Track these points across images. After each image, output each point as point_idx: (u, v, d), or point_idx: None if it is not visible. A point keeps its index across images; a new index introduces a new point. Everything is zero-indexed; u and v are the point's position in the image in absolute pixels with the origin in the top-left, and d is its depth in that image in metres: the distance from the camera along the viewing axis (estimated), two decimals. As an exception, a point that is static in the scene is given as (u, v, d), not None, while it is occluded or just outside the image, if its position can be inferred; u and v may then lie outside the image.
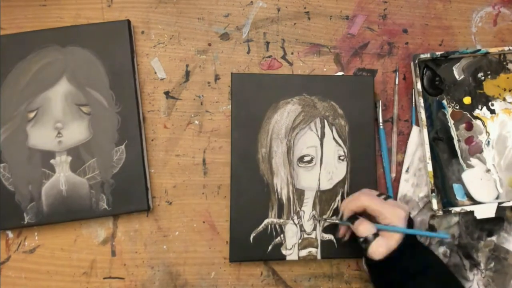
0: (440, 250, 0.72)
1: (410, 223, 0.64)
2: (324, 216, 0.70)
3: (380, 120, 0.73)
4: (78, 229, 0.70)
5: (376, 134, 0.73)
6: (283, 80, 0.72)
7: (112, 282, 0.69)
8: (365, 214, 0.64)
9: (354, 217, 0.64)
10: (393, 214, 0.61)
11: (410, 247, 0.62)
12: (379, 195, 0.64)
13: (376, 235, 0.61)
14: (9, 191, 0.68)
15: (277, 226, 0.69)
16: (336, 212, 0.70)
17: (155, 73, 0.73)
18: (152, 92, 0.72)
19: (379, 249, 0.60)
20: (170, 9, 0.74)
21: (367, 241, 0.61)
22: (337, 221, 0.67)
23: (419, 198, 0.72)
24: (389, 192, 0.72)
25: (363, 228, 0.62)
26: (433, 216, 0.72)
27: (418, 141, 0.73)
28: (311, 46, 0.75)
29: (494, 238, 0.72)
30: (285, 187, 0.70)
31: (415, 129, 0.73)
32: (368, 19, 0.76)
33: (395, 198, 0.72)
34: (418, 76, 0.72)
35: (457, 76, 0.74)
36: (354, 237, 0.65)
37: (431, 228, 0.72)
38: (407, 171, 0.72)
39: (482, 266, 0.72)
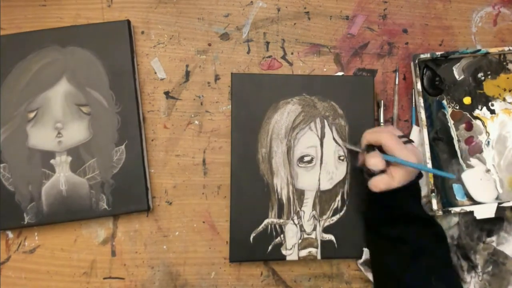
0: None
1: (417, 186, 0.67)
2: (346, 144, 0.71)
3: (382, 120, 0.73)
4: (78, 229, 0.70)
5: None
6: (283, 80, 0.72)
7: (112, 282, 0.70)
8: (380, 147, 0.65)
9: (371, 148, 0.65)
10: (406, 157, 0.62)
11: (411, 195, 0.65)
12: (401, 137, 0.65)
13: (382, 172, 0.63)
14: (9, 191, 0.68)
15: (277, 226, 0.69)
16: (336, 212, 0.70)
17: (155, 73, 0.73)
18: (152, 92, 0.72)
19: (379, 184, 0.63)
20: (170, 9, 0.74)
21: (371, 174, 0.64)
22: (356, 148, 0.68)
23: (419, 198, 0.72)
24: None
25: (373, 161, 0.64)
26: (432, 217, 0.72)
27: (418, 141, 0.73)
28: (311, 46, 0.75)
29: (494, 238, 0.72)
30: (285, 187, 0.70)
31: (415, 129, 0.73)
32: (368, 19, 0.76)
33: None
34: (418, 76, 0.72)
35: (457, 76, 0.74)
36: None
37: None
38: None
39: (480, 269, 0.72)
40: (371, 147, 0.65)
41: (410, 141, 0.66)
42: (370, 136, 0.65)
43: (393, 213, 0.65)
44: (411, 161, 0.62)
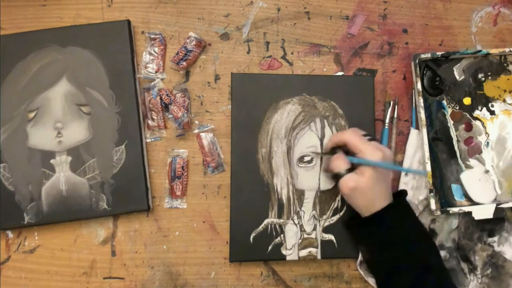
0: (441, 255, 0.72)
1: (403, 193, 0.67)
2: (318, 151, 0.71)
3: (387, 119, 0.73)
4: (78, 229, 0.70)
5: (376, 134, 0.73)
6: (283, 80, 0.72)
7: (112, 282, 0.70)
8: (347, 149, 0.65)
9: (334, 150, 0.66)
10: (372, 154, 0.62)
11: (396, 211, 0.64)
12: (364, 135, 0.65)
13: (350, 170, 0.63)
14: (9, 191, 0.68)
15: (277, 226, 0.69)
16: (336, 212, 0.70)
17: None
18: (152, 92, 0.73)
19: (348, 183, 0.62)
20: (170, 9, 0.74)
21: (339, 176, 0.63)
22: (322, 154, 0.69)
23: (419, 201, 0.72)
24: None
25: (336, 163, 0.64)
26: (433, 220, 0.72)
27: (417, 143, 0.73)
28: (311, 46, 0.75)
29: (495, 238, 0.72)
30: (285, 187, 0.70)
31: (413, 132, 0.73)
32: (368, 19, 0.76)
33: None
34: (418, 76, 0.72)
35: (457, 77, 0.74)
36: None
37: (432, 232, 0.72)
38: (406, 174, 0.72)
39: (479, 271, 0.72)
40: (333, 151, 0.66)
41: (374, 139, 0.66)
42: (334, 137, 0.66)
43: (386, 237, 0.63)
44: (377, 155, 0.61)
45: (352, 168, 0.64)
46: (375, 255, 0.65)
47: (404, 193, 0.67)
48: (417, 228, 0.65)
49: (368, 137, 0.65)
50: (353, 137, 0.63)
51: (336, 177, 0.65)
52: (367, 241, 0.66)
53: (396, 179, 0.73)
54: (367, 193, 0.62)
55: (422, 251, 0.64)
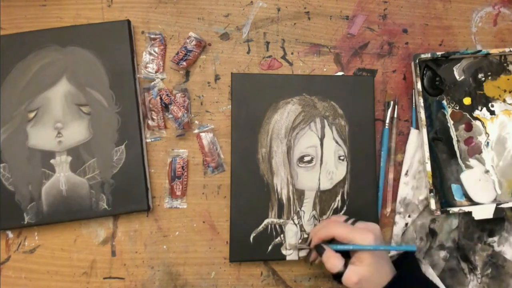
0: (441, 255, 0.72)
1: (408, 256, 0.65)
2: (297, 244, 0.69)
3: (387, 120, 0.73)
4: (78, 229, 0.70)
5: (376, 134, 0.73)
6: (283, 80, 0.72)
7: (112, 282, 0.70)
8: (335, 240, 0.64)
9: (321, 248, 0.64)
10: (362, 239, 0.61)
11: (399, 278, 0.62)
12: (346, 220, 0.65)
13: (346, 264, 0.61)
14: (9, 191, 0.68)
15: (277, 226, 0.69)
16: (336, 212, 0.70)
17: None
18: (152, 92, 0.73)
19: (351, 279, 0.60)
20: (170, 9, 0.74)
21: (339, 275, 0.61)
22: (307, 248, 0.68)
23: (419, 201, 0.72)
24: (379, 193, 0.72)
25: (331, 265, 0.62)
26: (433, 220, 0.72)
27: (417, 143, 0.73)
28: (311, 46, 0.75)
29: (495, 238, 0.72)
30: (285, 187, 0.70)
31: (413, 132, 0.73)
32: (368, 19, 0.76)
33: (394, 200, 0.72)
34: (418, 76, 0.72)
35: (457, 77, 0.74)
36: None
37: (432, 232, 0.72)
38: (406, 174, 0.72)
39: (479, 271, 0.72)
40: (320, 247, 0.64)
41: (357, 221, 0.65)
42: (320, 233, 0.64)
43: None
44: (368, 238, 0.60)
45: (343, 255, 0.63)
46: None
47: (409, 255, 0.66)
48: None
49: (350, 221, 0.64)
50: (339, 229, 0.62)
51: (336, 276, 0.62)
52: None
53: (397, 179, 0.73)
54: (372, 279, 0.61)
55: None
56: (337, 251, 0.63)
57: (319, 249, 0.64)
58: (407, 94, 0.75)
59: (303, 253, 0.69)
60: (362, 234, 0.61)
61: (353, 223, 0.64)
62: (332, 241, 0.64)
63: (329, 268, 0.62)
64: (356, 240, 0.61)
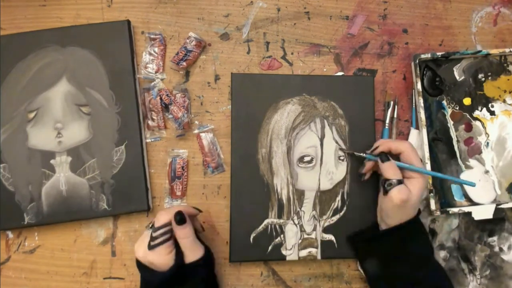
0: (441, 255, 0.72)
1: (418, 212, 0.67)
2: (353, 151, 0.70)
3: (387, 120, 0.73)
4: (78, 229, 0.70)
5: (376, 134, 0.73)
6: (283, 80, 0.72)
7: (112, 282, 0.70)
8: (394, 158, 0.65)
9: (385, 156, 0.65)
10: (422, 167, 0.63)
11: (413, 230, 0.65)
12: None
13: (399, 182, 0.63)
14: (9, 191, 0.68)
15: (277, 226, 0.69)
16: (336, 212, 0.70)
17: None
18: (152, 92, 0.73)
19: (401, 195, 0.62)
20: (170, 9, 0.74)
21: (390, 184, 0.63)
22: (366, 155, 0.68)
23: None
24: None
25: (393, 171, 0.63)
26: (433, 220, 0.72)
27: (417, 143, 0.73)
28: (311, 46, 0.75)
29: (495, 238, 0.72)
30: (285, 187, 0.70)
31: (413, 132, 0.73)
32: (368, 19, 0.76)
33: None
34: (418, 76, 0.72)
35: (457, 77, 0.74)
36: (377, 175, 0.68)
37: (432, 232, 0.72)
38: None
39: (478, 271, 0.72)
40: (385, 155, 0.65)
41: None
42: (392, 143, 0.65)
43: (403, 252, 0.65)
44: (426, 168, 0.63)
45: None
46: (392, 269, 0.65)
47: (418, 211, 0.68)
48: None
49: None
50: (409, 148, 0.64)
51: (385, 184, 0.64)
52: (384, 254, 0.65)
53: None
54: (413, 208, 0.63)
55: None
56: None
57: (383, 157, 0.65)
58: (407, 94, 0.75)
59: (303, 254, 0.69)
60: (421, 165, 0.63)
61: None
62: None
63: (390, 174, 0.63)
64: (417, 165, 0.63)
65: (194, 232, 0.62)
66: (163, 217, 0.60)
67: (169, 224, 0.60)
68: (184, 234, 0.60)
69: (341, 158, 0.71)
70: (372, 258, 0.66)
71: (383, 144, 0.66)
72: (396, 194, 0.62)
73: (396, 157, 0.65)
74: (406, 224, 0.63)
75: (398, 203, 0.62)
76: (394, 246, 0.64)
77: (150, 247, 0.58)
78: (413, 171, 0.63)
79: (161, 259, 0.58)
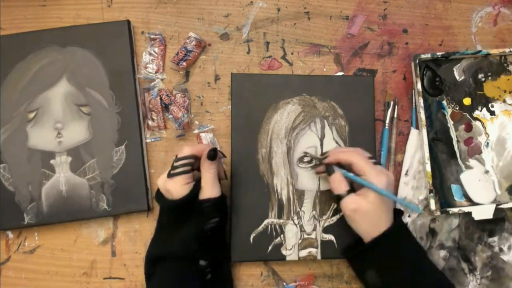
0: (441, 254, 0.72)
1: (399, 213, 0.66)
2: (307, 153, 0.70)
3: (387, 120, 0.73)
4: (78, 229, 0.70)
5: (376, 134, 0.73)
6: (283, 80, 0.72)
7: (112, 283, 0.70)
8: (347, 167, 0.64)
9: (331, 169, 0.64)
10: (376, 178, 0.61)
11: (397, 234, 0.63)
12: (369, 158, 0.64)
13: (350, 191, 0.62)
14: (9, 192, 0.68)
15: (277, 227, 0.69)
16: (336, 212, 0.70)
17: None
18: (152, 92, 0.73)
19: (349, 205, 0.61)
20: (170, 9, 0.74)
21: (339, 197, 0.63)
22: (317, 161, 0.68)
23: (419, 200, 0.72)
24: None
25: (337, 186, 0.63)
26: (433, 220, 0.72)
27: (417, 143, 0.73)
28: (311, 46, 0.75)
29: (495, 238, 0.72)
30: (285, 187, 0.70)
31: (414, 132, 0.73)
32: (368, 19, 0.76)
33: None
34: (418, 76, 0.72)
35: (457, 77, 0.74)
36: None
37: (432, 232, 0.72)
38: (406, 174, 0.72)
39: (478, 272, 0.72)
40: (331, 167, 0.64)
41: (378, 163, 0.65)
42: (341, 155, 0.64)
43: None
44: (382, 180, 0.61)
45: (352, 188, 0.63)
46: (391, 276, 0.63)
47: (400, 212, 0.67)
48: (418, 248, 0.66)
49: (373, 160, 0.64)
50: (360, 160, 0.62)
51: (337, 198, 0.63)
52: (378, 264, 0.64)
53: (396, 179, 0.73)
54: (368, 216, 0.61)
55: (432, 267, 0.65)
56: (346, 178, 0.63)
57: (330, 169, 0.65)
58: (407, 94, 0.75)
59: (303, 254, 0.69)
60: (378, 174, 0.61)
61: (374, 163, 0.64)
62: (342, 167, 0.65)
63: (333, 189, 0.64)
64: (369, 177, 0.61)
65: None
66: (186, 149, 0.62)
67: (191, 157, 0.61)
68: (210, 168, 0.61)
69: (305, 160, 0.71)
70: (369, 271, 0.65)
71: (332, 155, 0.65)
72: (344, 205, 0.62)
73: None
74: (389, 231, 0.62)
75: (349, 214, 0.62)
76: (385, 255, 0.63)
77: (169, 175, 0.61)
78: (360, 183, 0.62)
79: (177, 187, 0.60)
